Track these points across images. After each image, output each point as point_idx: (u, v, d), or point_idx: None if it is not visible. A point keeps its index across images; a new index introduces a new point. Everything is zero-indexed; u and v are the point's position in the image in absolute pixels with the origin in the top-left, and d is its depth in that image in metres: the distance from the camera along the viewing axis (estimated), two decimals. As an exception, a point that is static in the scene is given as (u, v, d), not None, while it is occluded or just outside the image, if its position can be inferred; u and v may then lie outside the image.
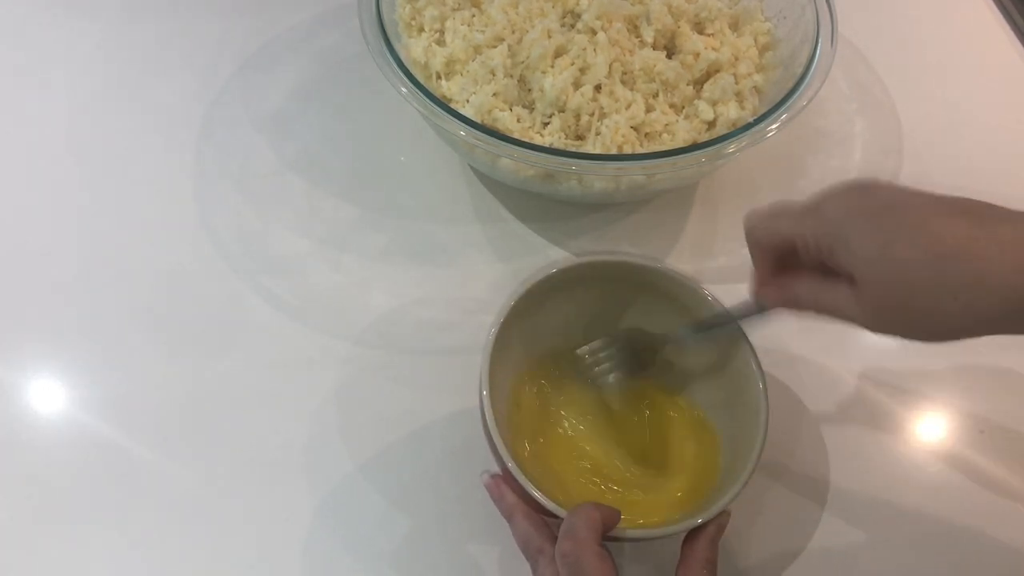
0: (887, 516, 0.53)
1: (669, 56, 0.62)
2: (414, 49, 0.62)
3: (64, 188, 0.65)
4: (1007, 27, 0.79)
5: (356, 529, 0.51)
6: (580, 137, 0.60)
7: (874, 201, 0.38)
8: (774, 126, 0.55)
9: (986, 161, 0.70)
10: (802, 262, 0.41)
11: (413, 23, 0.64)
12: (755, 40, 0.64)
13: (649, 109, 0.60)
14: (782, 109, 0.56)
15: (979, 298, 0.34)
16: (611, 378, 0.52)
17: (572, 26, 0.63)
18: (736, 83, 0.61)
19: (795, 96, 0.56)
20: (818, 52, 0.58)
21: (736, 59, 0.62)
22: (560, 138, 0.59)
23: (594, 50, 0.60)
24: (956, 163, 0.69)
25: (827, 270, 0.40)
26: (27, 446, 0.54)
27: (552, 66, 0.60)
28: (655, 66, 0.60)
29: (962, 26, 0.81)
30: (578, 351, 0.51)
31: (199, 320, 0.59)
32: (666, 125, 0.60)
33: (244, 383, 0.56)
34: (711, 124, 0.61)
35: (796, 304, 0.42)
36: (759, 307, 0.45)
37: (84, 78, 0.72)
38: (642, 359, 0.51)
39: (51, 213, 0.64)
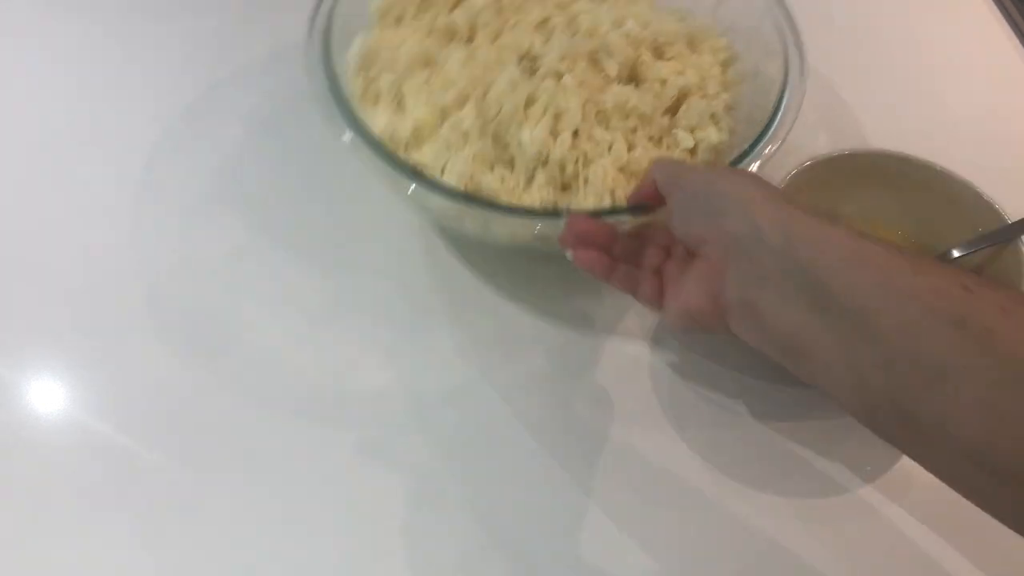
0: (888, 515, 0.53)
1: (636, 88, 0.61)
2: (376, 123, 0.58)
3: (64, 187, 0.66)
4: (1007, 27, 0.80)
5: (360, 527, 0.51)
6: (567, 186, 0.58)
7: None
8: (768, 149, 0.54)
9: (986, 161, 0.67)
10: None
11: (367, 95, 0.60)
12: (715, 57, 0.63)
13: (630, 147, 0.58)
14: (766, 139, 0.55)
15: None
16: None
17: (533, 71, 0.60)
18: (708, 105, 0.60)
19: (776, 121, 0.56)
20: (789, 66, 0.58)
21: (703, 79, 0.61)
22: (549, 192, 0.56)
23: (564, 94, 0.57)
24: (956, 164, 0.68)
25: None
26: (27, 446, 0.53)
27: (526, 118, 0.57)
28: (628, 101, 0.58)
29: (962, 26, 0.81)
30: None
31: (199, 319, 0.59)
32: (650, 161, 0.58)
33: (244, 382, 0.56)
34: (692, 151, 0.60)
35: None
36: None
37: (83, 78, 0.73)
38: None
39: (51, 212, 0.64)
